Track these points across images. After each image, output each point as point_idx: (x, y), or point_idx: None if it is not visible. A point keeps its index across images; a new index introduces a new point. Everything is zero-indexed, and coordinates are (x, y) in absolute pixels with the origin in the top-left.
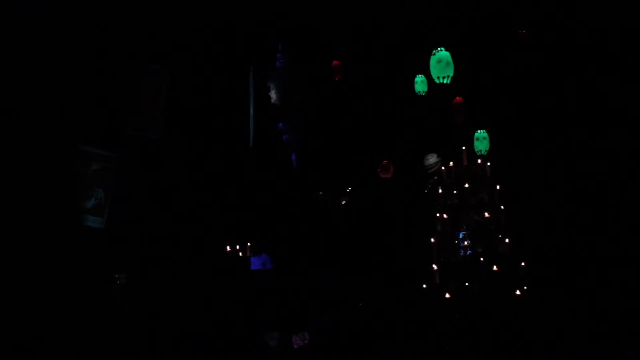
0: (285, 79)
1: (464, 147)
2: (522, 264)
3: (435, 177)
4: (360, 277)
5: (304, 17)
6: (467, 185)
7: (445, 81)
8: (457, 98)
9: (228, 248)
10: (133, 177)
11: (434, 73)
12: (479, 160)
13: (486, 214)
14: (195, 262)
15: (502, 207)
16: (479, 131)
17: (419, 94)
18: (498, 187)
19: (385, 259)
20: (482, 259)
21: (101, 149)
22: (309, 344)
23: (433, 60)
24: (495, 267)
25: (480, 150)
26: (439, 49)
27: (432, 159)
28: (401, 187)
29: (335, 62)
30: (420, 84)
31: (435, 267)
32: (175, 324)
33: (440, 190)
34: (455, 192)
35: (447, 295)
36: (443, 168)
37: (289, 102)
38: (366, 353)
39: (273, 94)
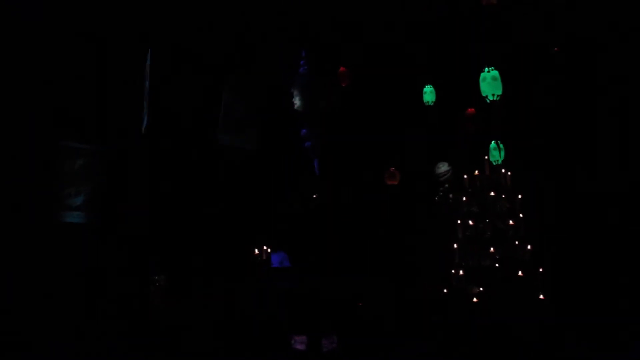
0: (309, 86)
1: (486, 157)
2: (540, 269)
3: (446, 185)
4: (376, 279)
5: (303, 19)
6: (492, 193)
7: (496, 99)
8: (470, 109)
9: (256, 251)
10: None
11: (487, 90)
12: (502, 170)
13: (511, 222)
14: (219, 265)
15: (522, 215)
16: (494, 141)
17: (427, 104)
18: (520, 196)
19: (399, 264)
20: (497, 265)
21: (85, 144)
22: (337, 348)
23: (488, 77)
24: (520, 273)
25: (497, 160)
26: (490, 67)
27: (443, 167)
28: (410, 194)
29: (342, 69)
30: (429, 94)
31: (461, 272)
32: (203, 328)
33: (464, 198)
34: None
35: (475, 300)
36: (465, 177)
37: (313, 109)
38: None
39: (297, 101)
